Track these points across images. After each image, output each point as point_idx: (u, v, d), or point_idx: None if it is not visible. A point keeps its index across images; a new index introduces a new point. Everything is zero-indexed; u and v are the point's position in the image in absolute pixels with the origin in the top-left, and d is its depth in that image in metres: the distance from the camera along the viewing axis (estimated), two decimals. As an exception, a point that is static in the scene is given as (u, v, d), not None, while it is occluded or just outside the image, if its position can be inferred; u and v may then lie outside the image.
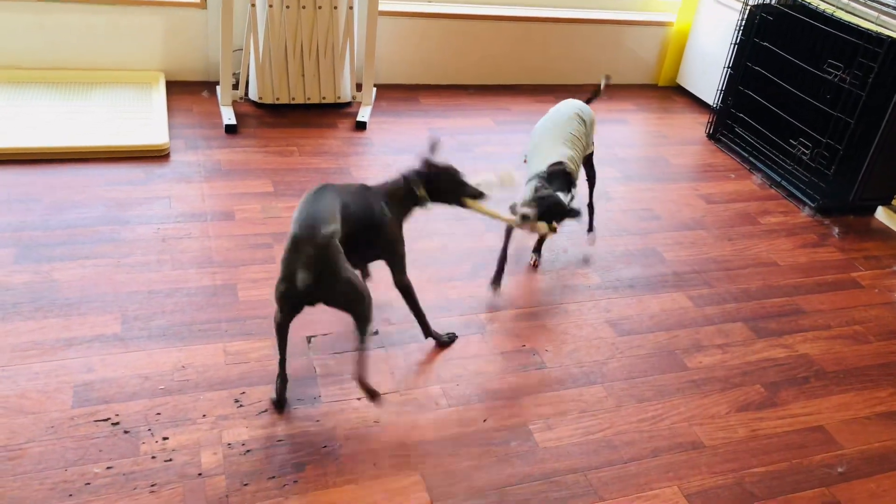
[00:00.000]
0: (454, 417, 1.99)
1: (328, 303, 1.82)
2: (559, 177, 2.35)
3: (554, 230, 2.25)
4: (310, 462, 1.80)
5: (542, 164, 2.41)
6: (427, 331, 2.21)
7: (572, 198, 2.35)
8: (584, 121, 2.61)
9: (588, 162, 2.75)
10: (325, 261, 1.74)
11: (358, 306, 1.83)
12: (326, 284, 1.75)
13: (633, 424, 2.05)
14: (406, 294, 2.13)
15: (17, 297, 2.19)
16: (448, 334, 2.26)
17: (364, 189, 2.03)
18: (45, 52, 3.44)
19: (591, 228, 2.88)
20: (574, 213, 2.31)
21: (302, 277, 1.70)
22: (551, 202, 2.23)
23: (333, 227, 1.77)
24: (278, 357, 1.93)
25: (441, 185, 2.09)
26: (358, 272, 2.00)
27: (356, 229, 1.90)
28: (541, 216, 2.19)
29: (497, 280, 2.50)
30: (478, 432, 1.96)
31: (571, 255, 2.77)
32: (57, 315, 2.14)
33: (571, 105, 2.65)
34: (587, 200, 2.83)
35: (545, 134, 2.55)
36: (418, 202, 2.09)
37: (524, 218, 2.17)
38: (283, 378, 1.95)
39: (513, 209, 2.24)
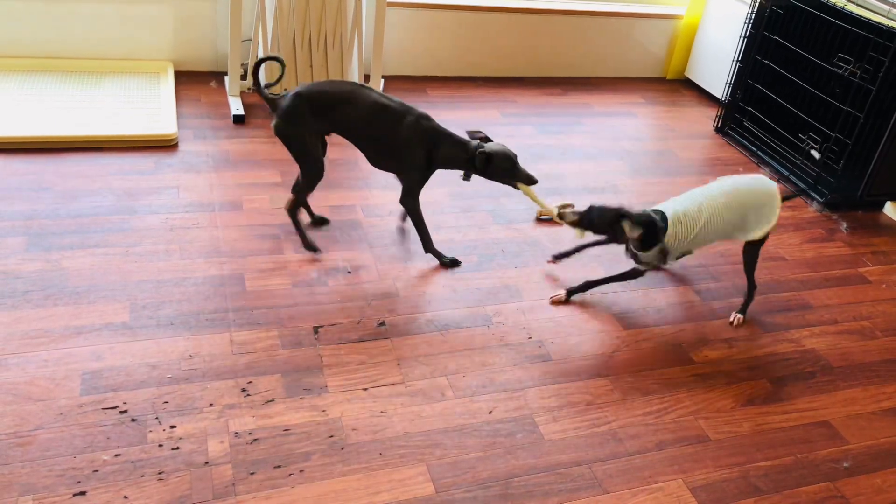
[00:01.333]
0: (460, 409, 2.00)
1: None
2: (645, 223, 2.27)
3: (580, 235, 2.37)
4: (316, 451, 1.81)
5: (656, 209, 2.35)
6: (427, 246, 2.51)
7: (640, 242, 2.29)
8: (752, 203, 2.35)
9: (748, 249, 2.44)
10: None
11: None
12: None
13: (639, 417, 2.06)
14: (410, 214, 2.48)
15: (27, 285, 2.21)
16: (451, 258, 2.51)
17: (418, 120, 2.34)
18: (55, 41, 3.45)
19: (742, 310, 2.52)
20: (617, 237, 2.31)
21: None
22: (597, 215, 2.29)
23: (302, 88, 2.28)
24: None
25: (498, 163, 2.34)
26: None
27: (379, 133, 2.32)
28: (581, 222, 2.32)
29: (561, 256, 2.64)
30: (483, 424, 1.96)
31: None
32: (66, 303, 2.15)
33: (753, 183, 2.40)
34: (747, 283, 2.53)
35: (695, 193, 2.39)
36: (469, 166, 2.36)
37: (561, 216, 2.34)
38: (308, 240, 2.52)
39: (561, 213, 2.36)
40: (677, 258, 2.48)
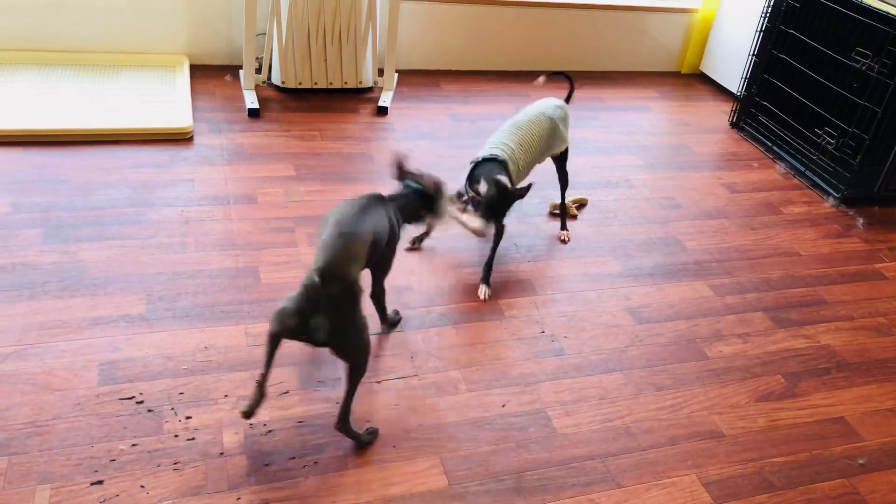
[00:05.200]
0: (473, 402, 2.00)
1: (332, 347, 1.69)
2: (486, 168, 2.36)
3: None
4: (330, 443, 1.82)
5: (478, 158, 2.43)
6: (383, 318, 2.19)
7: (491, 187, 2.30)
8: (551, 119, 2.59)
9: (560, 163, 2.72)
10: (345, 306, 1.66)
11: (360, 357, 1.74)
12: (338, 331, 1.66)
13: (652, 412, 2.05)
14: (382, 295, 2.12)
15: (45, 276, 2.23)
16: (394, 312, 2.24)
17: (381, 203, 1.96)
18: (71, 34, 3.47)
19: (563, 227, 2.77)
20: (515, 195, 2.31)
21: (320, 325, 1.62)
22: (487, 202, 2.28)
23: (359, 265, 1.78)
24: (262, 371, 1.72)
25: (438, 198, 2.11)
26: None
27: (376, 250, 1.88)
28: (490, 214, 2.29)
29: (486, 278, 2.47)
30: (496, 417, 1.97)
31: (592, 242, 2.76)
32: (83, 295, 2.17)
33: (540, 106, 2.64)
34: (559, 201, 2.79)
35: (497, 133, 2.54)
36: (433, 215, 2.12)
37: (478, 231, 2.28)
38: (261, 393, 1.72)
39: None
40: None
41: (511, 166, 2.40)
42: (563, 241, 2.72)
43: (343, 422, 1.76)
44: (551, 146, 2.60)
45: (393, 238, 1.97)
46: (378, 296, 2.10)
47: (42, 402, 1.83)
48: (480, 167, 2.38)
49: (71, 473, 1.66)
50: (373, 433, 1.86)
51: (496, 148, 2.44)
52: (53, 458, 1.69)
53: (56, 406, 1.82)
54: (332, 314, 1.63)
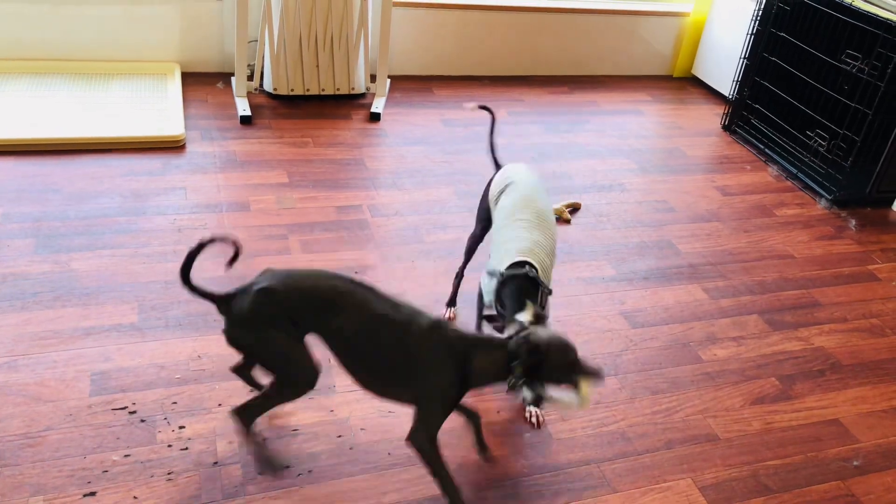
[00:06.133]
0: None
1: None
2: (516, 288, 1.80)
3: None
4: (324, 451, 1.81)
5: (499, 264, 1.89)
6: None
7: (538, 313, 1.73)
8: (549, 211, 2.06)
9: None
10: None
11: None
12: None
13: (647, 416, 2.05)
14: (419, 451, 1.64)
15: (36, 286, 2.22)
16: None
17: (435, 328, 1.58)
18: (62, 43, 3.46)
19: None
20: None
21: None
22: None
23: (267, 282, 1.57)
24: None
25: (551, 363, 1.56)
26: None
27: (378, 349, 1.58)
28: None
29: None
30: (492, 423, 1.96)
31: (586, 246, 2.76)
32: (75, 304, 2.16)
33: (533, 183, 2.07)
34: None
35: (511, 208, 1.98)
36: (509, 380, 1.58)
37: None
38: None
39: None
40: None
41: (541, 275, 1.88)
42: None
43: (239, 411, 1.65)
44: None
45: (424, 362, 1.57)
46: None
47: (34, 412, 1.82)
48: (512, 284, 1.83)
49: (63, 485, 1.65)
50: (274, 466, 1.72)
51: (525, 252, 1.89)
52: (46, 470, 1.68)
53: (48, 417, 1.81)
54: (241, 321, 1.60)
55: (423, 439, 1.60)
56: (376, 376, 1.63)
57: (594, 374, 1.59)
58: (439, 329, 1.59)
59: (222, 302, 1.60)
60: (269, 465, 1.75)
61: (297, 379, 1.63)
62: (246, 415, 1.67)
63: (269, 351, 1.60)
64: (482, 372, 1.59)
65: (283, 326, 1.58)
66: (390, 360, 1.58)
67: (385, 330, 1.57)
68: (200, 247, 1.57)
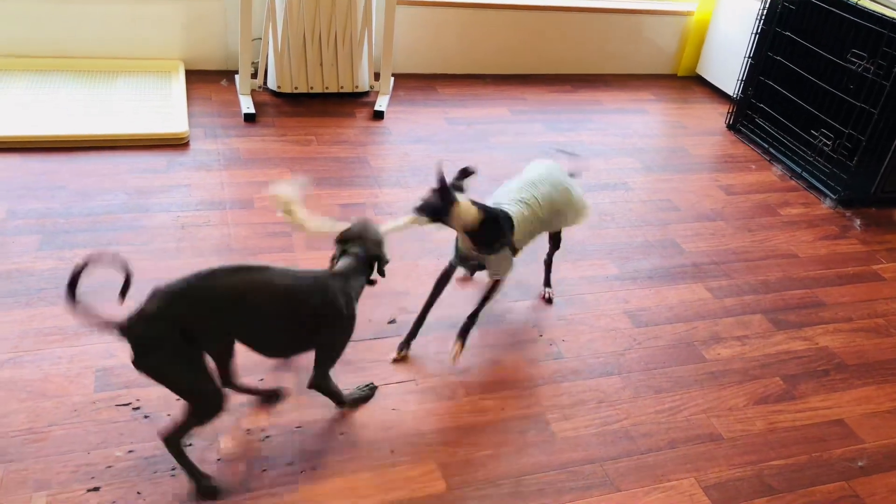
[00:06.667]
0: (471, 407, 2.00)
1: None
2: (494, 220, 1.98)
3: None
4: (328, 449, 1.81)
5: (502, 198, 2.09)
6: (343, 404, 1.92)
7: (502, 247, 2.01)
8: (561, 197, 2.20)
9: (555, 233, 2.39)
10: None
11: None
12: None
13: (651, 416, 2.05)
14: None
15: (41, 282, 2.22)
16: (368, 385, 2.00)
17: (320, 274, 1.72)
18: (67, 40, 3.47)
19: (547, 283, 2.48)
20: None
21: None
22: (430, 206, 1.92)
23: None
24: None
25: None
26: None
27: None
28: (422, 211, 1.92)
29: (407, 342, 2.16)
30: (495, 422, 1.96)
31: (590, 245, 2.76)
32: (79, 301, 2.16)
33: (559, 173, 2.24)
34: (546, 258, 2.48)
35: (522, 183, 2.17)
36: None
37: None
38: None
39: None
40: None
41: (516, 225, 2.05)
42: (547, 300, 2.44)
43: (168, 437, 1.62)
44: (558, 219, 2.24)
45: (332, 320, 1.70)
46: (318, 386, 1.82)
47: (38, 408, 1.82)
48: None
49: (67, 480, 1.65)
50: (208, 491, 1.66)
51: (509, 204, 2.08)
52: (50, 465, 1.68)
53: (52, 413, 1.81)
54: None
55: (325, 380, 1.79)
56: (286, 346, 1.75)
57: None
58: (333, 282, 1.71)
59: (119, 329, 1.52)
60: (206, 490, 1.66)
61: (206, 402, 1.60)
62: (171, 444, 1.62)
63: (169, 378, 1.57)
64: (356, 291, 1.77)
65: (177, 350, 1.53)
66: (298, 327, 1.67)
67: (288, 303, 1.64)
68: (84, 265, 1.52)
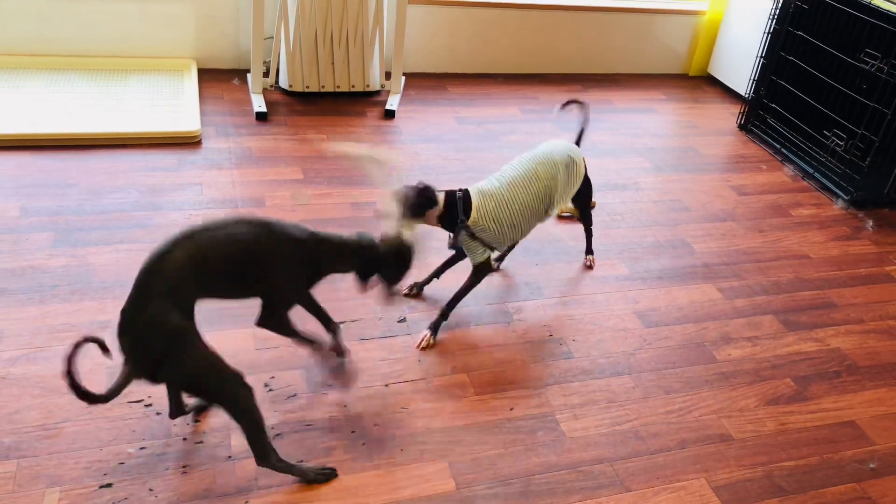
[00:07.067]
0: (481, 406, 2.00)
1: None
2: (454, 204, 2.09)
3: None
4: (338, 447, 1.82)
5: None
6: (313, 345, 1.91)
7: (460, 229, 2.09)
8: (559, 168, 2.26)
9: (583, 205, 2.48)
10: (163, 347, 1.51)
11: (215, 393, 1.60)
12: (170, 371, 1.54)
13: (661, 416, 2.04)
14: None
15: (54, 279, 2.24)
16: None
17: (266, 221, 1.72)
18: (80, 39, 3.49)
19: (588, 251, 2.62)
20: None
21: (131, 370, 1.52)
22: (405, 195, 2.03)
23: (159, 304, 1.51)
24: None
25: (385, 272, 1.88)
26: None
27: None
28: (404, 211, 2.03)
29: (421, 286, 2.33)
30: (504, 421, 1.96)
31: (600, 245, 2.76)
32: (92, 298, 2.18)
33: (553, 149, 2.29)
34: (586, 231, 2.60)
35: (507, 167, 2.24)
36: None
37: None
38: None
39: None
40: (509, 247, 2.43)
41: (482, 204, 2.12)
42: (590, 267, 2.60)
43: (258, 458, 1.63)
44: (552, 198, 2.26)
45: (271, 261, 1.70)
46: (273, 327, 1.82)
47: (51, 405, 1.83)
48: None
49: (80, 476, 1.67)
50: (328, 474, 1.73)
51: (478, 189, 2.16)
52: (62, 461, 1.70)
53: (65, 409, 1.83)
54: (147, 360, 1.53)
55: (280, 320, 1.79)
56: (243, 290, 1.74)
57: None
58: (285, 231, 1.72)
59: (133, 369, 1.51)
60: (316, 476, 1.73)
61: (234, 384, 1.58)
62: (265, 458, 1.63)
63: (201, 363, 1.55)
64: (330, 265, 1.80)
65: (189, 334, 1.54)
66: (253, 272, 1.68)
67: (246, 253, 1.65)
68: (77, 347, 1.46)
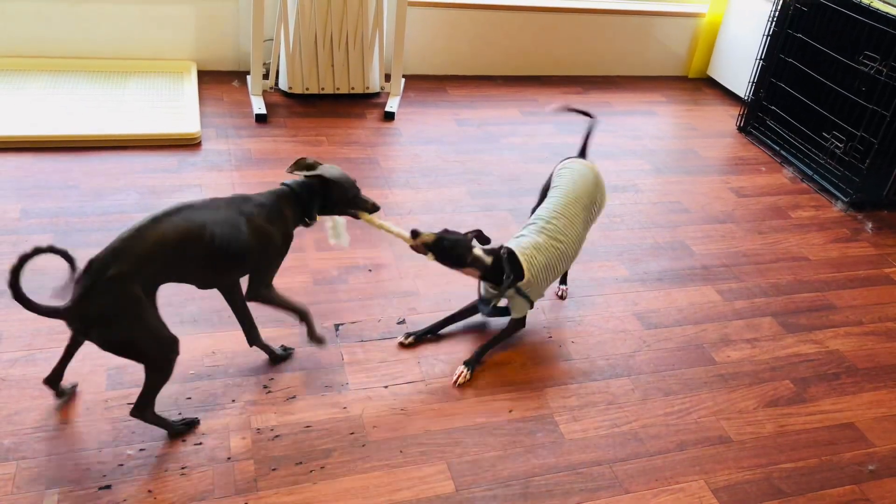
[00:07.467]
0: (480, 407, 2.00)
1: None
2: (500, 261, 2.07)
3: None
4: (337, 448, 1.82)
5: (524, 232, 2.17)
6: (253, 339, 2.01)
7: (507, 286, 2.05)
8: (587, 207, 2.24)
9: None
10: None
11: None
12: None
13: (660, 418, 2.04)
14: (266, 302, 1.90)
15: (54, 281, 2.22)
16: (283, 347, 2.08)
17: (236, 202, 1.79)
18: (80, 41, 3.49)
19: (562, 280, 2.49)
20: (475, 262, 2.05)
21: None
22: (449, 245, 2.01)
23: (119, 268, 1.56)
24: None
25: (335, 197, 1.90)
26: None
27: (216, 253, 1.70)
28: (435, 251, 2.01)
29: (420, 335, 2.20)
30: (503, 423, 1.96)
31: (600, 247, 2.76)
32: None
33: (583, 185, 2.24)
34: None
35: (568, 199, 2.20)
36: (305, 217, 1.88)
37: (415, 234, 2.00)
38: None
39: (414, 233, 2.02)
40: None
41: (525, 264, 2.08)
42: (561, 297, 2.46)
43: (138, 409, 1.70)
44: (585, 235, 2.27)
45: (248, 242, 1.75)
46: (266, 302, 1.90)
47: (50, 406, 1.84)
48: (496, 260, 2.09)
49: (80, 478, 1.67)
50: (189, 423, 1.82)
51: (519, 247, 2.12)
52: (62, 463, 1.70)
53: (64, 411, 1.83)
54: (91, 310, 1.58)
55: (267, 292, 1.87)
56: (221, 275, 1.81)
57: (371, 206, 1.95)
58: (252, 206, 1.79)
59: (72, 312, 1.56)
60: (179, 427, 1.80)
61: (167, 352, 1.68)
62: (143, 412, 1.71)
63: (144, 335, 1.62)
64: (287, 217, 1.84)
65: (146, 302, 1.60)
66: (233, 254, 1.73)
67: (224, 235, 1.70)
68: (29, 256, 1.55)
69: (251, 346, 2.02)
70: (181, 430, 1.80)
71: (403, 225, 2.72)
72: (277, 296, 1.91)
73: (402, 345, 2.17)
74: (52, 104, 3.16)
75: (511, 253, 2.10)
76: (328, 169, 1.90)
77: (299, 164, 1.90)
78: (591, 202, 2.24)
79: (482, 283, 2.17)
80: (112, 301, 1.55)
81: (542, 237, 2.13)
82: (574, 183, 2.23)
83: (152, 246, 1.61)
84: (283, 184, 1.87)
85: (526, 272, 2.07)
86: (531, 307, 2.17)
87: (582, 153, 2.40)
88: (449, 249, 2.02)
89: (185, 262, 1.67)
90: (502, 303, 2.19)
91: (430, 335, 2.21)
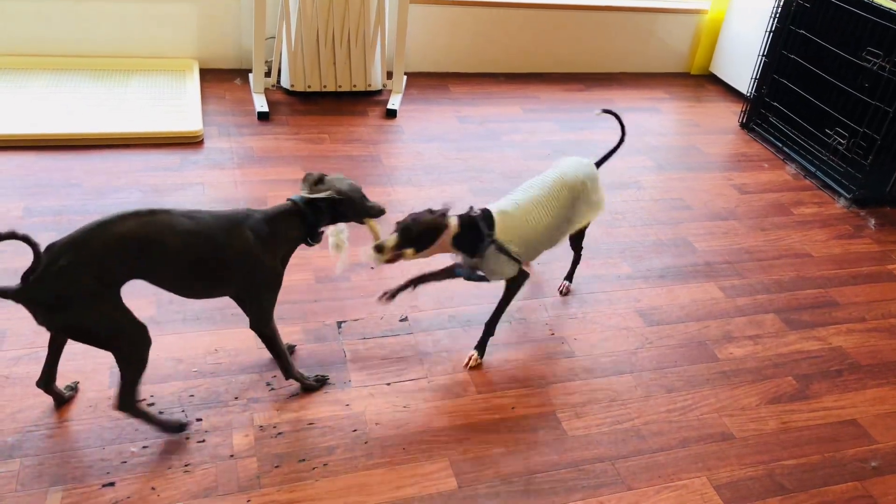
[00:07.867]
0: (483, 404, 2.00)
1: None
2: (471, 224, 1.96)
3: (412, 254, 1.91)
4: (339, 445, 1.82)
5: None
6: (288, 372, 1.93)
7: (489, 244, 1.96)
8: (571, 189, 2.15)
9: (577, 234, 2.35)
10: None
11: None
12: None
13: (663, 414, 2.04)
14: (263, 341, 1.86)
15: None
16: (317, 377, 1.99)
17: (229, 217, 1.71)
18: (82, 40, 3.50)
19: (567, 276, 2.49)
20: (433, 228, 1.90)
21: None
22: (418, 231, 1.89)
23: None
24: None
25: (345, 212, 1.84)
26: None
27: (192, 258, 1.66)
28: (404, 242, 1.88)
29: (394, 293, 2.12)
30: (506, 419, 1.96)
31: (602, 244, 2.76)
32: None
33: (568, 168, 2.20)
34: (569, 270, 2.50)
35: (524, 188, 2.15)
36: (308, 237, 1.81)
37: (379, 248, 1.86)
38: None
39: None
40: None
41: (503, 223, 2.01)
42: (563, 293, 2.46)
43: (121, 402, 1.67)
44: (570, 221, 2.19)
45: (236, 258, 1.70)
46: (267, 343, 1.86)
47: (54, 404, 1.84)
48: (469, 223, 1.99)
49: (83, 475, 1.67)
50: (182, 426, 1.79)
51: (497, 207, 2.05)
52: (65, 460, 1.70)
53: (68, 408, 1.83)
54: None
55: (266, 330, 1.82)
56: (196, 287, 1.75)
57: (379, 211, 1.88)
58: (244, 223, 1.71)
59: (21, 294, 1.54)
60: (169, 426, 1.79)
61: (135, 341, 1.66)
62: (126, 405, 1.68)
63: (101, 323, 1.61)
64: (290, 239, 1.79)
65: (95, 296, 1.57)
66: (211, 268, 1.69)
67: (199, 244, 1.66)
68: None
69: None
70: (172, 427, 1.78)
71: (405, 222, 2.72)
72: (277, 342, 1.85)
73: (381, 300, 2.12)
74: (54, 103, 3.17)
75: (487, 213, 2.00)
76: (336, 182, 1.83)
77: (307, 182, 1.84)
78: (577, 183, 2.14)
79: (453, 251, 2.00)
80: (60, 288, 1.53)
81: (516, 205, 2.05)
82: (559, 168, 2.19)
83: (111, 241, 1.57)
84: (288, 199, 1.80)
85: (498, 231, 1.97)
86: (520, 265, 2.04)
87: (598, 163, 2.32)
88: (421, 234, 1.89)
89: (151, 264, 1.63)
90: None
91: (405, 290, 2.12)
